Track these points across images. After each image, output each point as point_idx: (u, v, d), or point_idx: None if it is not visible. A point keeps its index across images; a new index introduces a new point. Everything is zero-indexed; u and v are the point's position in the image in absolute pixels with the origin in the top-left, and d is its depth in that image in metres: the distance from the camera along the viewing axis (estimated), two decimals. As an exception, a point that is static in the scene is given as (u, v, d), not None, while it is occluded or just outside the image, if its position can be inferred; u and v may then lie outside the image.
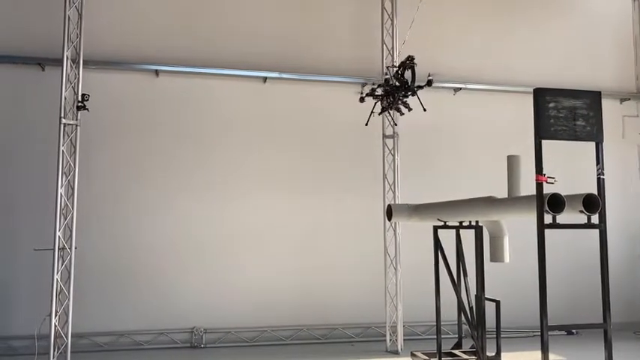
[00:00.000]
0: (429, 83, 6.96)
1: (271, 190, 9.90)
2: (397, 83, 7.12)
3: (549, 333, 4.90)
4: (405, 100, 7.24)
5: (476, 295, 6.76)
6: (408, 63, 6.95)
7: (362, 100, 7.52)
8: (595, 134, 5.23)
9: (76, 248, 8.21)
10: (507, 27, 11.15)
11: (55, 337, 7.92)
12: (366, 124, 7.65)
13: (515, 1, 11.31)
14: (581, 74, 11.11)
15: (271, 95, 10.09)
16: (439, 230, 7.34)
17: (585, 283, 9.81)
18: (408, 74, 6.99)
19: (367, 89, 8.40)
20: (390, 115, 9.18)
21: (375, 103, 7.48)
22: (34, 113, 9.08)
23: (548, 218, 4.99)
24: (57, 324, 7.94)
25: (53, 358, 7.88)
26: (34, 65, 9.19)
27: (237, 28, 9.99)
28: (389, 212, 8.10)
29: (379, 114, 7.71)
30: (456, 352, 7.29)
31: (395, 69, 7.30)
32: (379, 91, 7.40)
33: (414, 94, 7.11)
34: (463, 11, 11.02)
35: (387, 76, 7.31)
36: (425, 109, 7.17)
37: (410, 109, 7.32)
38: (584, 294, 9.88)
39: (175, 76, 9.73)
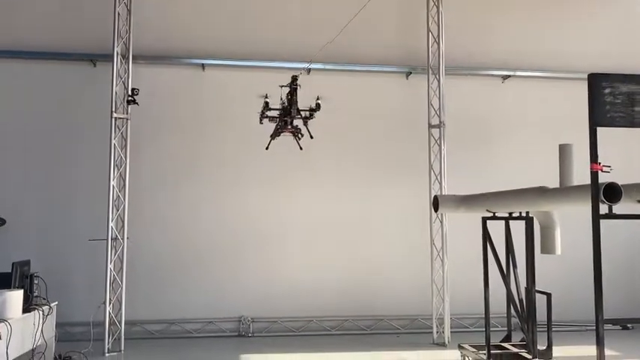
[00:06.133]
0: (318, 107, 6.48)
1: (317, 182, 9.91)
2: (285, 104, 6.61)
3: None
4: (296, 125, 6.72)
5: (526, 288, 6.62)
6: (291, 85, 6.43)
7: (261, 121, 6.96)
8: (655, 121, 4.99)
9: (128, 239, 8.49)
10: (559, 10, 10.71)
11: (110, 324, 8.25)
12: (266, 148, 7.17)
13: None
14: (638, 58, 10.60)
15: (316, 86, 10.03)
16: (488, 221, 7.20)
17: (642, 276, 9.44)
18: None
19: None
20: (431, 105, 9.00)
21: (276, 126, 6.94)
22: (86, 108, 9.36)
23: (603, 208, 4.82)
24: (111, 311, 8.25)
25: (108, 344, 8.20)
26: (86, 61, 9.49)
27: (283, 19, 10.00)
28: (435, 203, 8.00)
29: (271, 137, 7.10)
30: (506, 344, 7.15)
31: (288, 89, 6.63)
32: (271, 113, 6.81)
33: (309, 117, 6.59)
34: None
35: (267, 99, 6.68)
36: (312, 137, 6.76)
37: (302, 135, 6.81)
38: (640, 287, 9.52)
39: (222, 70, 9.85)
